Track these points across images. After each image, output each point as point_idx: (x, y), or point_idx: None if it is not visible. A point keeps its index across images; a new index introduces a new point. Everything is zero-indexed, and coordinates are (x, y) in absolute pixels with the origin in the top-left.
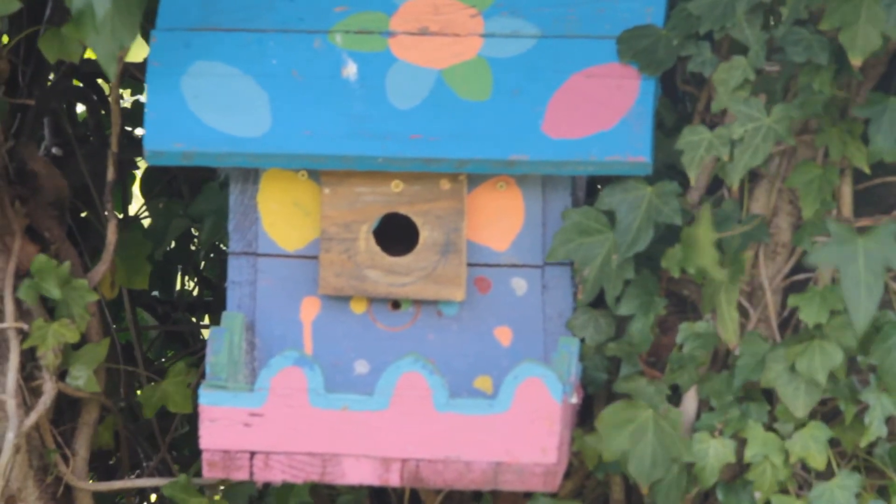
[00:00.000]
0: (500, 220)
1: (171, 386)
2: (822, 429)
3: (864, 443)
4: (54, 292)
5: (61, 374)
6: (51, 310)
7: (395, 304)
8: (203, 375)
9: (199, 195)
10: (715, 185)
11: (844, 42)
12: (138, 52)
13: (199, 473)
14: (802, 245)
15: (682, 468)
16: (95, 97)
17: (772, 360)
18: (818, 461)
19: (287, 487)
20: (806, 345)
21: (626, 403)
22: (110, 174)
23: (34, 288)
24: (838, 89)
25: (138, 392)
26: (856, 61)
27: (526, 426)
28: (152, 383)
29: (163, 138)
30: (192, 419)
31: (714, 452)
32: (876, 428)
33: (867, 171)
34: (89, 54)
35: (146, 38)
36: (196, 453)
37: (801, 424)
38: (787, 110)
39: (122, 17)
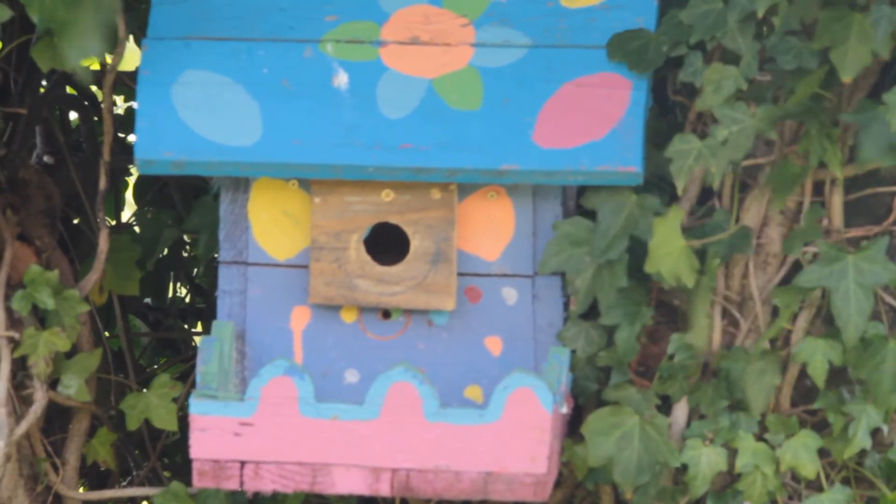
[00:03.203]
0: (491, 230)
1: (156, 398)
2: (813, 437)
3: (847, 454)
4: (48, 303)
5: (52, 383)
6: (41, 318)
7: (386, 314)
8: (193, 385)
9: (194, 210)
10: (706, 195)
11: (835, 60)
12: (131, 60)
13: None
14: (794, 253)
15: (663, 469)
16: (88, 104)
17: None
18: (808, 470)
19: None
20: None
21: (612, 409)
22: (102, 183)
23: (28, 298)
24: (830, 97)
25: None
26: (846, 79)
27: (516, 436)
28: (134, 391)
29: (153, 147)
30: (183, 427)
31: (706, 460)
32: (860, 439)
33: (840, 175)
34: (83, 63)
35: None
36: (187, 461)
37: (790, 434)
38: (771, 110)
39: (88, 25)
